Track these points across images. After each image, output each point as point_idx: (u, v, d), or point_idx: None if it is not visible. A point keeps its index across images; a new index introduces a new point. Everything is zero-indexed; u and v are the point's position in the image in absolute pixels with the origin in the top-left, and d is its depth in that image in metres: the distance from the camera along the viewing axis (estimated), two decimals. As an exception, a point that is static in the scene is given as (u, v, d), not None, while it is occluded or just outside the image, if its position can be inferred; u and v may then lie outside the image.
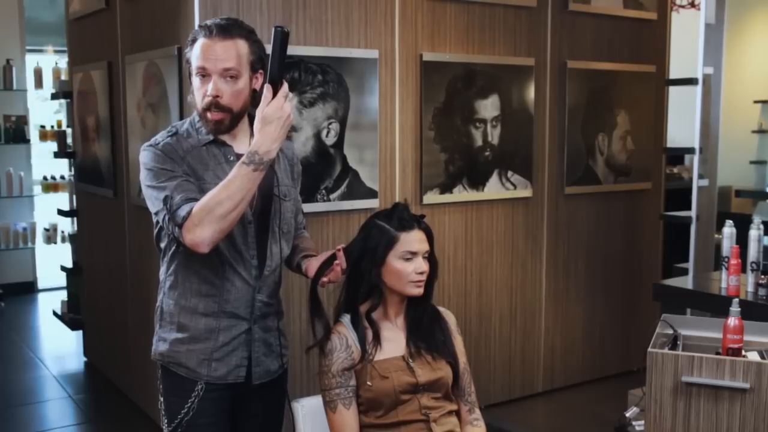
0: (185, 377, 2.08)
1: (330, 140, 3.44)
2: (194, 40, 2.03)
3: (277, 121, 1.88)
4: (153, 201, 2.00)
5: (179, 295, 2.09)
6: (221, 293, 2.06)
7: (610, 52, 4.40)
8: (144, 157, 2.04)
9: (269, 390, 2.19)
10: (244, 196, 1.89)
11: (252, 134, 2.10)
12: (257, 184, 1.91)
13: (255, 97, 2.07)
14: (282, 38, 1.87)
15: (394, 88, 3.66)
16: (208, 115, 2.01)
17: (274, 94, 1.88)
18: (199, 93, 2.02)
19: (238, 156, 2.06)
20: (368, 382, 2.07)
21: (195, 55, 2.01)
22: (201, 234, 1.89)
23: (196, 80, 2.02)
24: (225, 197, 1.87)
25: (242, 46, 2.02)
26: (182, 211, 1.91)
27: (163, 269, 2.15)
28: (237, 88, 2.01)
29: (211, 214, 1.88)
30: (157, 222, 2.04)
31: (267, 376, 2.15)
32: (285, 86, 1.90)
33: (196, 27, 2.08)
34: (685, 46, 4.75)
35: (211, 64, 1.98)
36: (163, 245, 2.11)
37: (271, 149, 1.88)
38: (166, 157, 2.00)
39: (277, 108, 1.87)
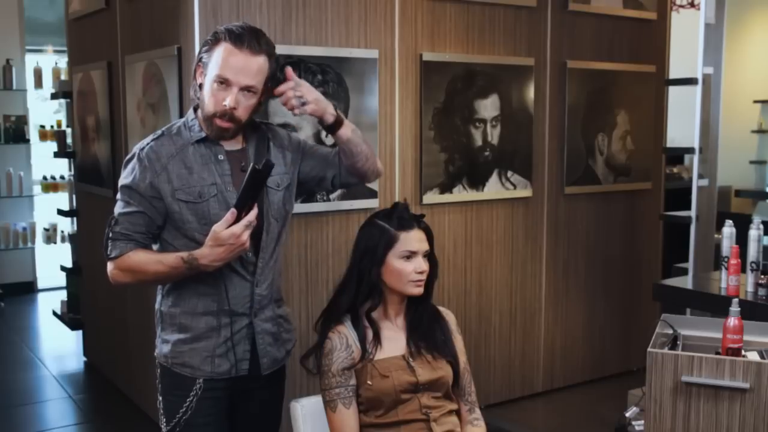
0: (184, 376, 2.08)
1: (330, 140, 3.43)
2: (216, 42, 1.99)
3: (229, 246, 1.92)
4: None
5: (177, 296, 2.09)
6: (219, 291, 2.06)
7: (610, 52, 4.40)
8: (125, 160, 2.08)
9: (271, 381, 2.19)
10: (166, 281, 2.06)
11: (245, 134, 2.11)
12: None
13: (258, 108, 2.08)
14: (257, 177, 1.89)
15: (393, 88, 3.66)
16: (217, 121, 2.00)
17: (237, 219, 1.90)
18: (213, 99, 1.99)
19: (229, 154, 2.06)
20: (368, 382, 2.07)
21: (216, 60, 1.98)
22: (118, 278, 2.05)
23: (212, 85, 1.99)
24: (150, 273, 2.01)
25: (264, 62, 2.01)
26: (114, 249, 2.03)
27: None
28: (252, 103, 2.02)
29: (133, 274, 2.03)
30: None
31: (275, 365, 2.17)
32: (251, 215, 1.92)
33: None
34: (685, 46, 4.75)
35: (234, 77, 1.97)
36: (156, 247, 2.12)
37: (211, 266, 1.96)
38: (145, 170, 2.02)
39: (233, 235, 1.91)
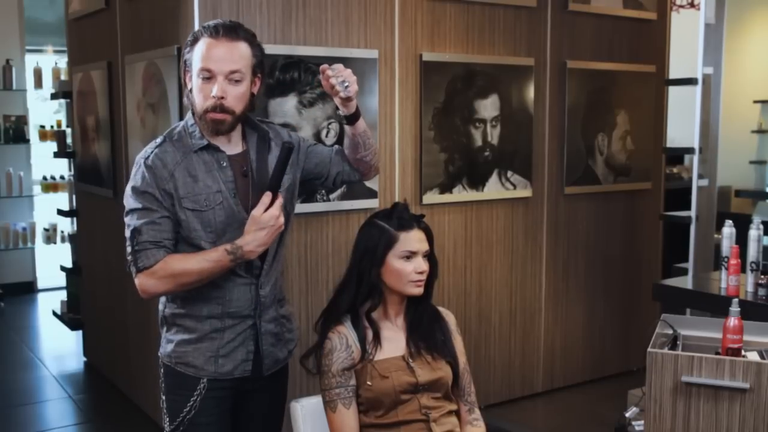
0: (188, 375, 2.09)
1: (330, 140, 3.44)
2: (195, 41, 2.01)
3: (270, 228, 1.95)
4: (126, 225, 2.03)
5: (182, 300, 2.09)
6: (223, 295, 2.06)
7: (610, 52, 4.40)
8: (132, 173, 2.05)
9: (273, 381, 2.19)
10: (209, 278, 1.99)
11: (244, 136, 2.11)
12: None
13: (253, 102, 2.07)
14: (288, 153, 1.96)
15: (393, 88, 3.66)
16: (210, 115, 1.99)
17: (272, 201, 1.94)
18: (201, 94, 2.00)
19: (231, 159, 2.06)
20: (368, 382, 2.07)
21: (198, 55, 1.99)
22: (154, 288, 1.99)
23: (197, 81, 2.00)
24: (195, 272, 1.97)
25: (246, 49, 2.01)
26: (146, 259, 1.97)
27: None
28: (241, 91, 2.01)
29: (174, 278, 1.97)
30: None
31: (277, 365, 2.18)
32: (280, 198, 1.97)
33: (197, 28, 2.07)
34: (685, 46, 4.75)
35: (216, 66, 1.97)
36: None
37: (255, 251, 1.97)
38: (154, 177, 1.99)
39: (273, 217, 1.95)
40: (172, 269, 1.96)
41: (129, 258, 2.00)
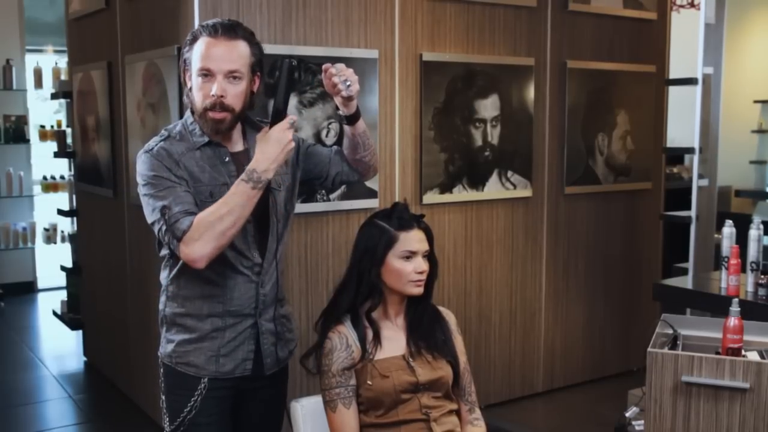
0: (189, 375, 2.09)
1: (330, 140, 3.44)
2: (194, 39, 2.02)
3: (278, 144, 1.93)
4: (149, 211, 2.00)
5: (183, 299, 2.09)
6: (225, 293, 2.07)
7: (610, 52, 4.40)
8: (140, 164, 2.03)
9: (273, 381, 2.19)
10: (242, 213, 1.93)
11: (245, 135, 2.11)
12: (255, 202, 1.94)
13: (252, 100, 2.08)
14: (290, 70, 1.95)
15: (394, 88, 3.66)
16: (210, 114, 2.00)
17: (280, 120, 1.93)
18: (200, 93, 2.00)
19: (233, 156, 2.07)
20: (368, 382, 2.07)
21: (197, 55, 2.00)
22: (200, 249, 1.91)
23: (197, 80, 2.00)
24: (225, 213, 1.91)
25: (244, 47, 2.02)
26: (182, 225, 1.92)
27: (164, 274, 2.14)
28: (240, 89, 2.02)
29: (211, 229, 1.90)
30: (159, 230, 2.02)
31: (277, 365, 2.17)
32: (291, 117, 1.96)
33: (196, 26, 2.07)
34: (685, 46, 4.75)
35: (215, 65, 1.98)
36: (164, 252, 2.10)
37: (269, 169, 1.93)
38: (162, 164, 1.99)
39: (281, 130, 1.93)
40: (206, 221, 1.91)
41: (166, 237, 1.95)
